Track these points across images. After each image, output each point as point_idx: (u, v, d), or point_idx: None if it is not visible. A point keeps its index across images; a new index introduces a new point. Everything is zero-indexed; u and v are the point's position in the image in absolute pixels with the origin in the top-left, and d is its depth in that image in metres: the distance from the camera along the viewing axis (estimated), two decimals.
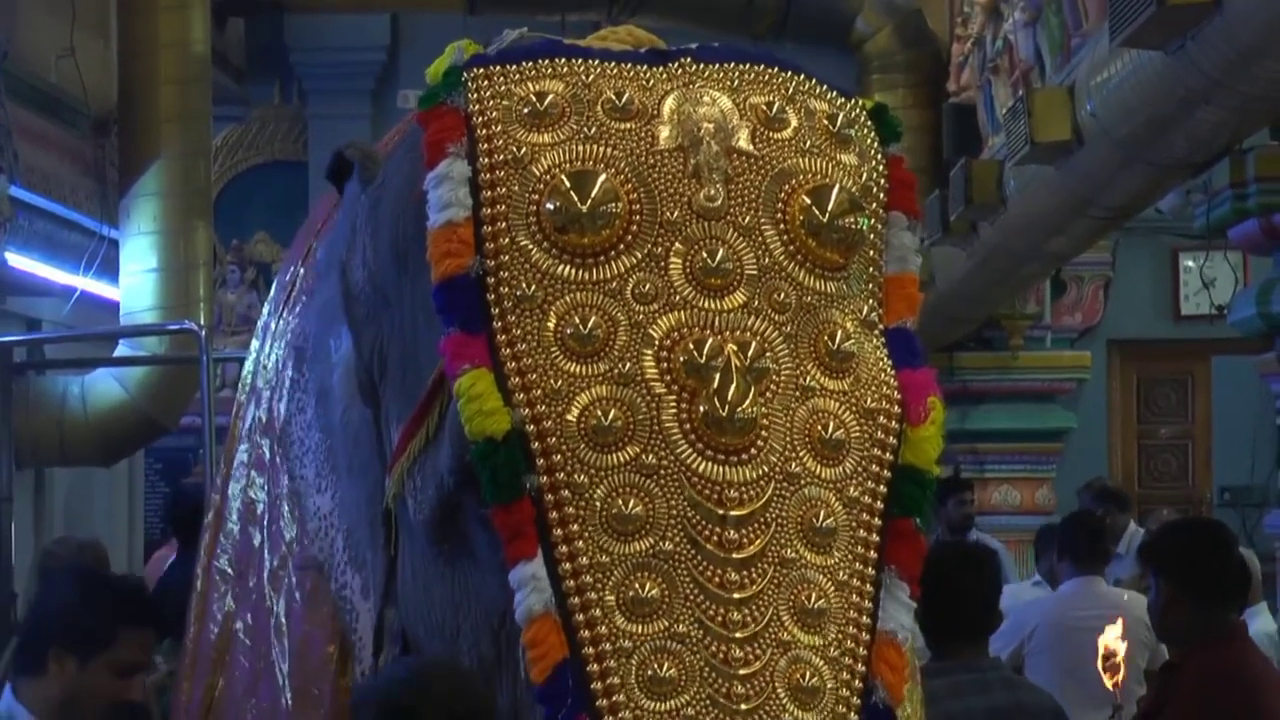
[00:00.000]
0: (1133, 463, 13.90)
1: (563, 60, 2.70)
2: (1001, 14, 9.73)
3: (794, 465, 2.53)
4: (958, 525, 9.88)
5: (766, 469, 2.51)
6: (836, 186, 2.66)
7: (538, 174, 2.60)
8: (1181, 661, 4.82)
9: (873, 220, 2.71)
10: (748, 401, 2.51)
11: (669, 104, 2.66)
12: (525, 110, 2.64)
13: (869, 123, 2.79)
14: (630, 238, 2.58)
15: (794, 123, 2.70)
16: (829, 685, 2.49)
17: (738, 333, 2.55)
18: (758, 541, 2.48)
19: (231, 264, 14.24)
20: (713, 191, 2.61)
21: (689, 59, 2.74)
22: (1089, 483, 10.88)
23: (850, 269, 2.68)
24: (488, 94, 2.66)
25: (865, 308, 2.69)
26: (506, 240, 2.59)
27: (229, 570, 3.31)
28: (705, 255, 2.58)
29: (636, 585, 2.46)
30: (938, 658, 4.54)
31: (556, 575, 2.47)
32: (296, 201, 13.13)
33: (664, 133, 2.64)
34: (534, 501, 2.49)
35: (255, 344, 3.42)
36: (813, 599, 2.50)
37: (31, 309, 9.31)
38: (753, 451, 2.51)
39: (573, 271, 2.57)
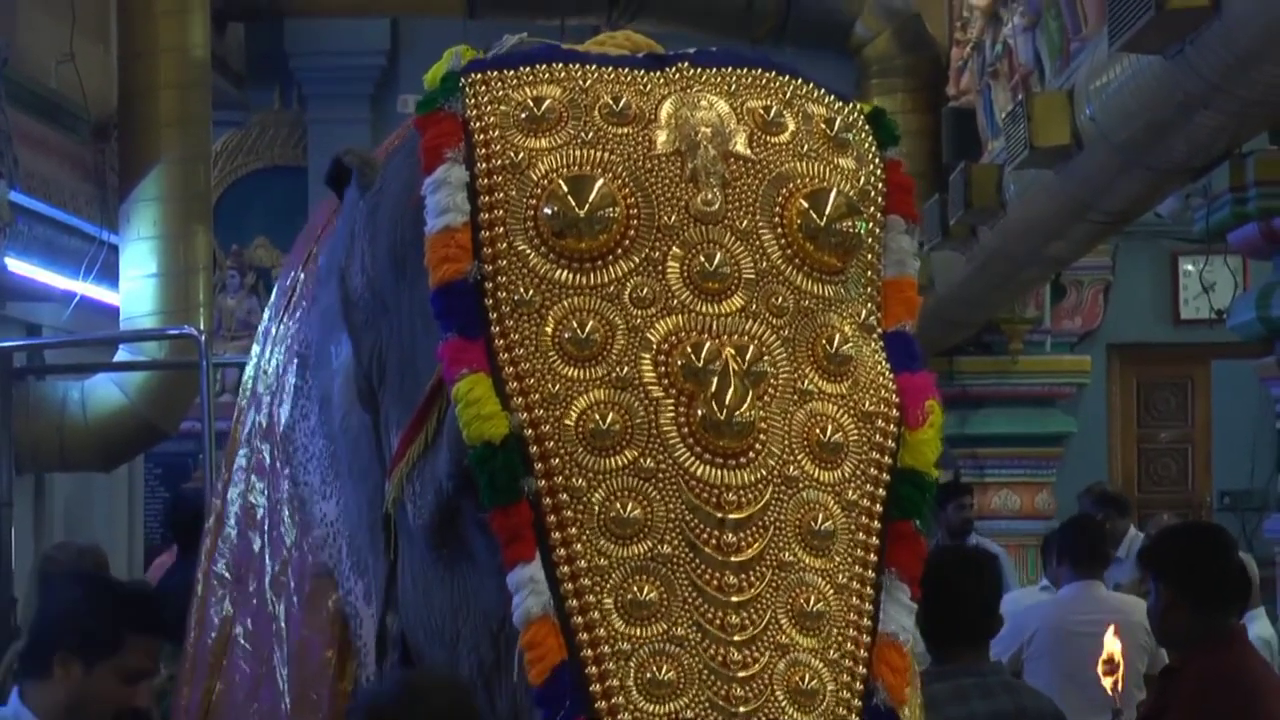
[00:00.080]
0: (1132, 467, 13.90)
1: (560, 65, 2.70)
2: (1001, 18, 9.73)
3: (792, 469, 2.53)
4: (957, 530, 9.88)
5: (765, 472, 2.51)
6: (834, 190, 2.67)
7: (535, 179, 2.60)
8: (1181, 666, 4.82)
9: (870, 224, 2.72)
10: (746, 405, 2.51)
11: (666, 108, 2.67)
12: (523, 115, 2.64)
13: (867, 127, 2.79)
14: (628, 242, 2.58)
15: (791, 127, 2.70)
16: (829, 688, 2.49)
17: (735, 336, 2.55)
18: (756, 545, 2.49)
19: (231, 269, 14.23)
20: (710, 196, 2.61)
21: (686, 64, 2.75)
22: (1089, 487, 10.88)
23: (848, 273, 2.68)
24: (485, 99, 2.67)
25: (863, 311, 2.69)
26: (504, 245, 2.59)
27: (227, 575, 3.31)
28: (703, 259, 2.58)
29: (635, 588, 2.46)
30: (938, 662, 4.55)
31: (555, 578, 2.48)
32: (296, 206, 13.14)
33: (661, 137, 2.64)
34: (532, 505, 2.49)
35: (256, 349, 3.43)
36: (811, 602, 2.50)
37: (31, 314, 9.31)
38: (751, 455, 2.51)
39: (570, 276, 2.57)
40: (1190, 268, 12.67)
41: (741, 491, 2.50)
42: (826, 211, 2.65)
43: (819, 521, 2.53)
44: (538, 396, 2.51)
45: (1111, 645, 4.04)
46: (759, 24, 12.04)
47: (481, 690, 2.63)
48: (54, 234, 8.65)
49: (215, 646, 3.28)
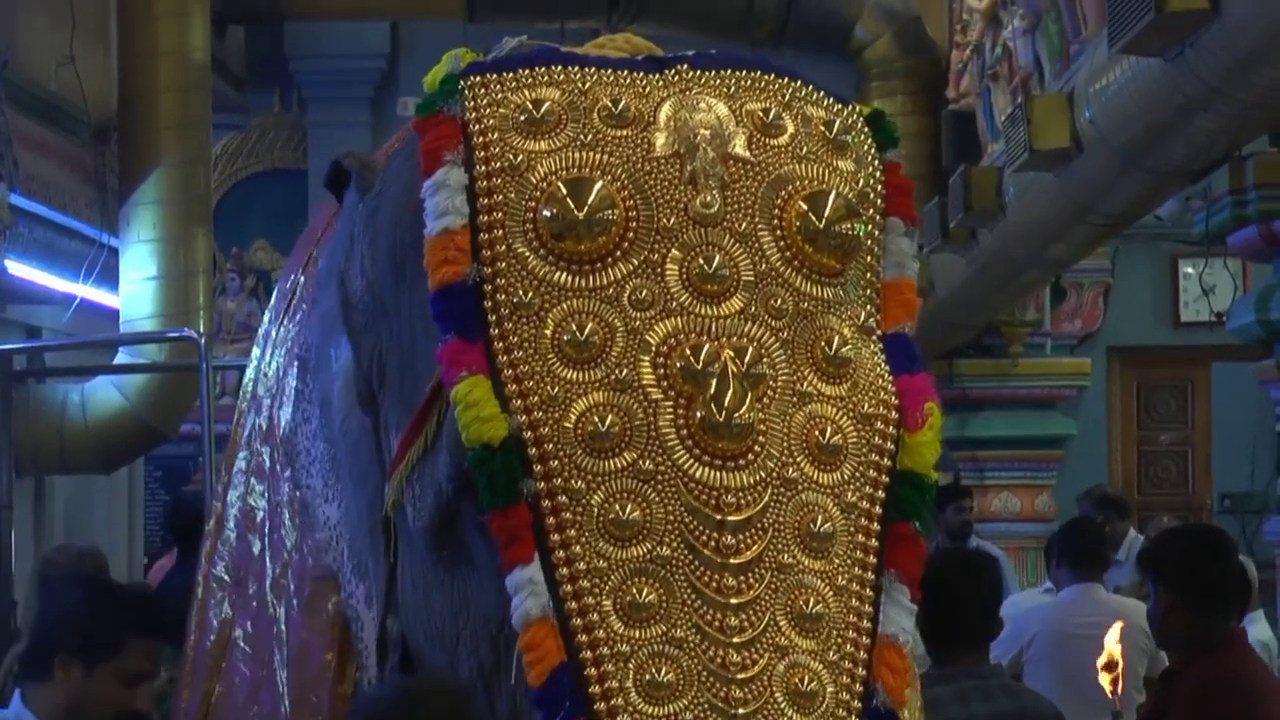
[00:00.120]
0: (1133, 469, 13.91)
1: (559, 68, 2.70)
2: (1001, 21, 9.74)
3: (791, 471, 2.53)
4: (956, 532, 9.88)
5: (764, 474, 2.51)
6: (833, 192, 2.67)
7: (534, 181, 2.60)
8: (1181, 669, 4.82)
9: (869, 226, 2.71)
10: (745, 407, 2.51)
11: (665, 111, 2.67)
12: (522, 118, 2.64)
13: (866, 129, 2.79)
14: (627, 244, 2.58)
15: (790, 129, 2.70)
16: (828, 689, 2.49)
17: (734, 339, 2.55)
18: (755, 547, 2.49)
19: (231, 272, 14.24)
20: (709, 198, 2.61)
21: (685, 66, 2.75)
22: (1089, 490, 10.88)
23: (847, 275, 2.68)
24: (484, 102, 2.67)
25: (863, 313, 2.69)
26: (503, 247, 2.59)
27: (226, 577, 3.32)
28: (702, 261, 2.58)
29: (634, 590, 2.46)
30: (938, 665, 4.55)
31: (554, 580, 2.48)
32: (296, 209, 13.15)
33: (660, 139, 2.64)
34: (531, 507, 2.49)
35: (256, 352, 3.43)
36: (810, 604, 2.50)
37: (31, 317, 9.32)
38: (750, 457, 2.51)
39: (569, 278, 2.57)
40: (1190, 270, 12.67)
41: (740, 494, 2.50)
42: (825, 214, 2.65)
43: (818, 523, 2.53)
44: (537, 399, 2.51)
45: (1112, 646, 4.04)
46: (759, 27, 12.05)
47: (482, 692, 2.63)
48: (54, 237, 8.66)
49: (214, 649, 3.28)
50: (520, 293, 2.57)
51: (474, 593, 2.64)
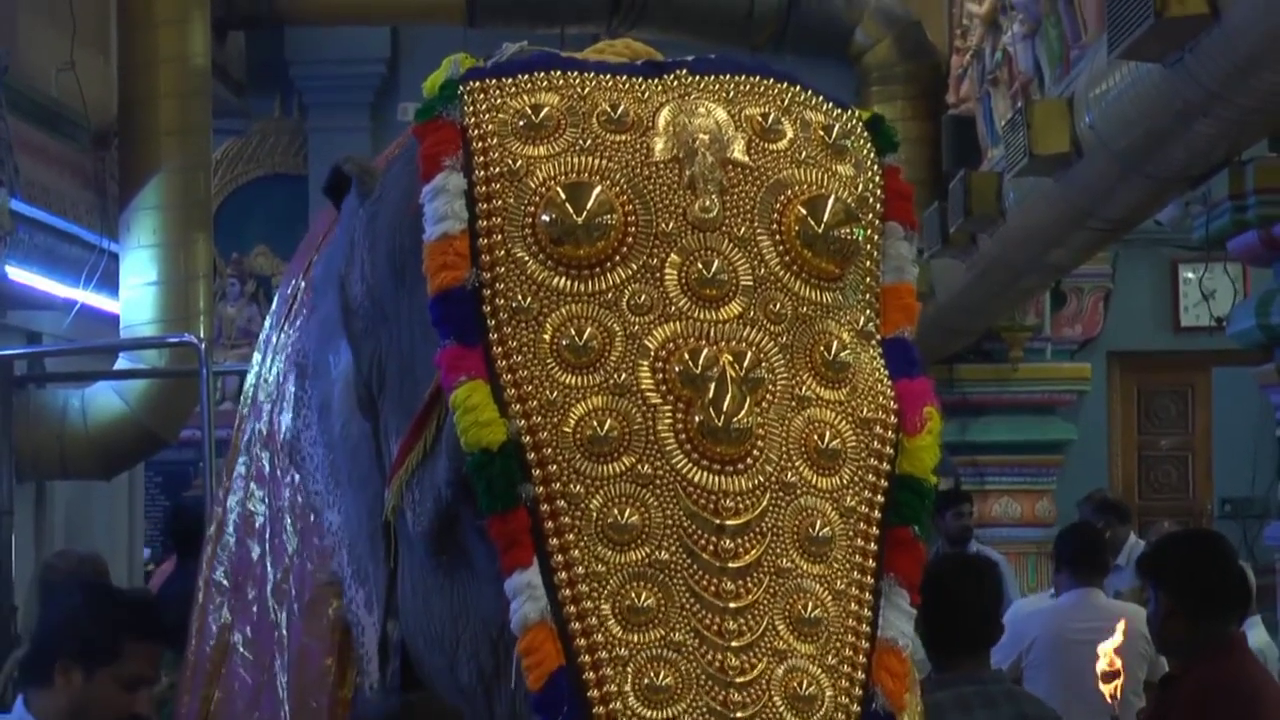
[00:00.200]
0: (1133, 474, 13.93)
1: (558, 73, 2.70)
2: (1001, 26, 9.75)
3: (790, 475, 2.53)
4: (956, 537, 9.90)
5: (762, 479, 2.51)
6: (832, 197, 2.66)
7: (533, 186, 2.60)
8: (1181, 674, 4.83)
9: (869, 230, 2.71)
10: (743, 411, 2.51)
11: (664, 116, 2.66)
12: (521, 123, 2.64)
13: (865, 133, 2.79)
14: (625, 249, 2.58)
15: (790, 134, 2.70)
16: (827, 693, 2.48)
17: (733, 343, 2.55)
18: (754, 551, 2.48)
19: (231, 277, 14.27)
20: (708, 203, 2.61)
21: (684, 71, 2.74)
22: (1089, 495, 10.91)
23: (846, 279, 2.67)
24: (483, 107, 2.67)
25: (862, 318, 2.68)
26: (502, 252, 2.59)
27: (225, 582, 3.32)
28: (700, 266, 2.58)
29: (633, 594, 2.46)
30: (939, 670, 4.56)
31: (552, 584, 2.47)
32: (296, 214, 13.17)
33: (659, 144, 2.64)
34: (530, 511, 2.49)
35: (257, 357, 3.43)
36: (809, 608, 2.49)
37: (31, 322, 9.33)
38: (748, 461, 2.51)
39: (568, 283, 2.57)
40: (1190, 275, 12.68)
41: (739, 498, 2.49)
42: (824, 218, 2.65)
43: (817, 528, 2.53)
44: (535, 403, 2.51)
45: (1110, 651, 4.04)
46: (759, 31, 12.07)
47: (481, 697, 2.63)
48: (54, 242, 8.67)
49: (214, 654, 3.28)
50: (519, 297, 2.57)
51: (474, 597, 2.63)
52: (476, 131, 2.65)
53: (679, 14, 11.92)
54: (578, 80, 2.70)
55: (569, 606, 2.46)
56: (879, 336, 2.70)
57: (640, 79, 2.73)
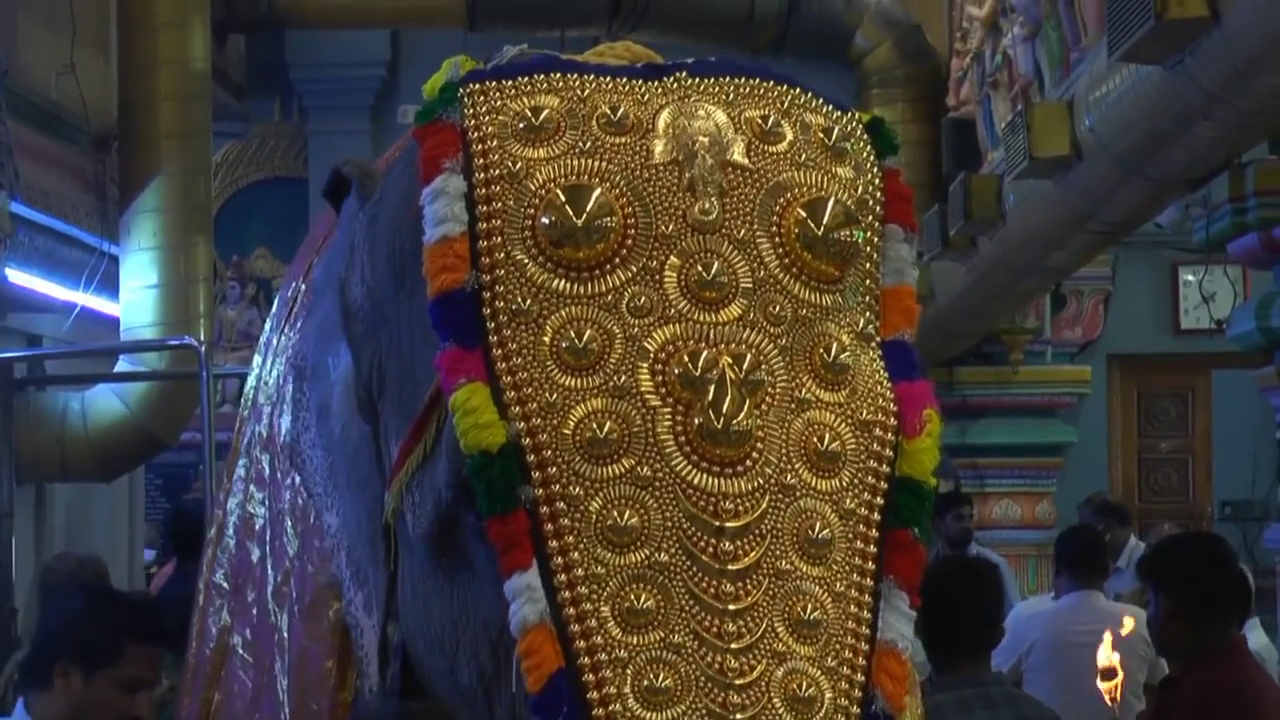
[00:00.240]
0: (1133, 477, 13.93)
1: (558, 75, 2.70)
2: (1001, 29, 9.76)
3: (789, 477, 2.53)
4: (956, 540, 9.91)
5: (762, 481, 2.51)
6: (832, 199, 2.66)
7: (533, 189, 2.60)
8: (1181, 676, 4.83)
9: (868, 233, 2.71)
10: (743, 414, 2.51)
11: (664, 118, 2.66)
12: (520, 125, 2.64)
13: (865, 136, 2.79)
14: (625, 252, 2.58)
15: (789, 136, 2.70)
16: (827, 695, 2.48)
17: (733, 345, 2.55)
18: (753, 553, 2.48)
19: (232, 280, 14.28)
20: (707, 205, 2.61)
21: (684, 73, 2.74)
22: (1089, 497, 10.91)
23: (846, 282, 2.68)
24: (483, 109, 2.67)
25: (861, 320, 2.68)
26: (502, 255, 2.59)
27: (224, 585, 3.32)
28: (700, 268, 2.58)
29: (632, 596, 2.46)
30: (939, 672, 4.56)
31: (552, 586, 2.47)
32: (297, 217, 13.18)
33: (659, 147, 2.64)
34: (529, 514, 2.49)
35: (257, 360, 3.43)
36: (808, 610, 2.50)
37: (32, 325, 9.34)
38: (748, 464, 2.51)
39: (568, 285, 2.57)
40: (1190, 278, 12.70)
41: (738, 500, 2.49)
42: (824, 220, 2.65)
43: (816, 530, 2.53)
44: (535, 405, 2.51)
45: (1106, 654, 4.04)
46: (759, 34, 12.07)
47: (481, 699, 2.63)
48: (54, 245, 8.68)
49: (214, 657, 3.28)
50: (519, 300, 2.57)
51: (474, 599, 2.63)
52: (476, 134, 2.65)
53: (679, 17, 11.93)
54: (578, 83, 2.70)
55: (568, 608, 2.46)
56: (879, 339, 2.70)
57: (640, 81, 2.73)
